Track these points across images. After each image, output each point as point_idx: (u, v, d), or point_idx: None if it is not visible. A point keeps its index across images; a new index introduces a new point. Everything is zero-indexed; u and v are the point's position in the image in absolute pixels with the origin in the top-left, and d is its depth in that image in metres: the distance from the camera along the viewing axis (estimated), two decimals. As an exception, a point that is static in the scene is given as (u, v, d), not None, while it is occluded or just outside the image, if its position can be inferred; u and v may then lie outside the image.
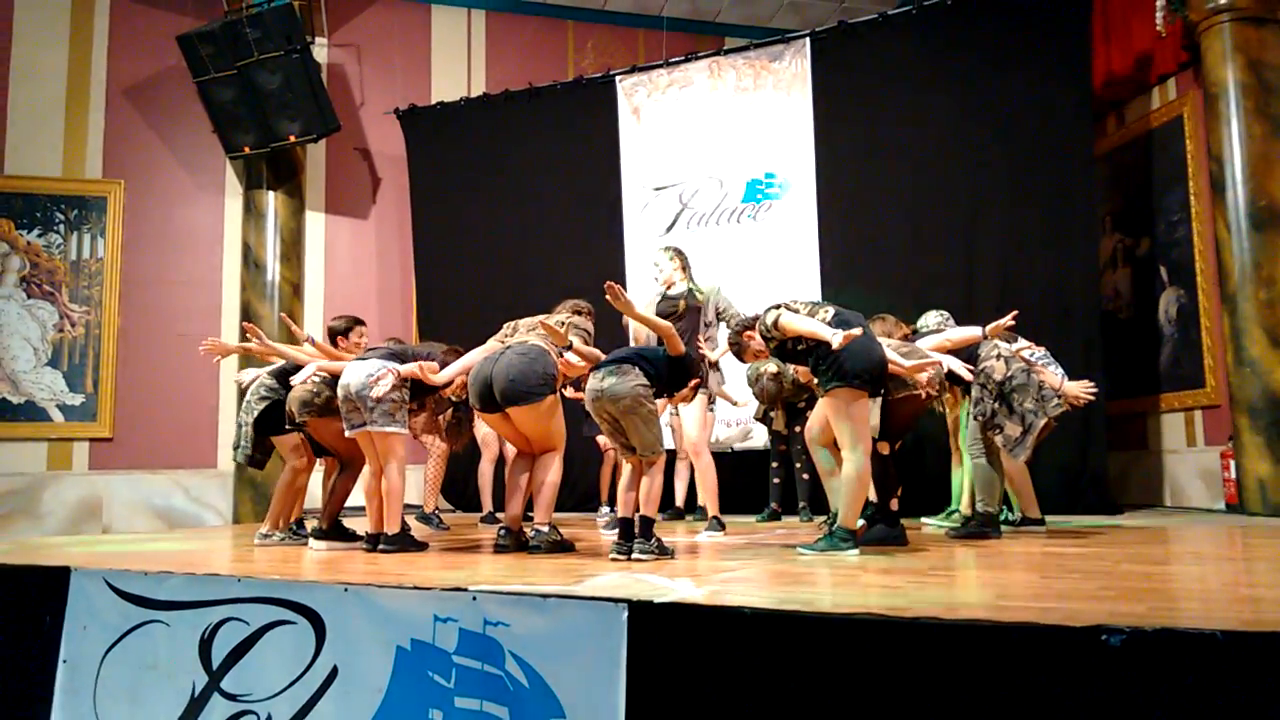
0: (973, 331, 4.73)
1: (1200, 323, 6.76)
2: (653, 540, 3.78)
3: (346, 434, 4.42)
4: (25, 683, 3.39)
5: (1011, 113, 6.55)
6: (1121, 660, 1.81)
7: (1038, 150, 6.46)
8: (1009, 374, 4.59)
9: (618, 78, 7.80)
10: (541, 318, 4.52)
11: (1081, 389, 4.78)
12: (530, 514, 4.36)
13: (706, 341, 5.39)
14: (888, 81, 6.95)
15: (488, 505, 6.51)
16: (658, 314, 4.80)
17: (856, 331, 3.76)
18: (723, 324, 5.54)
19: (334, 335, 5.24)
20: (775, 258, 6.99)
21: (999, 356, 4.64)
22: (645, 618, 2.36)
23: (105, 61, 8.47)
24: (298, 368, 4.79)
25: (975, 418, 4.66)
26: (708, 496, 5.29)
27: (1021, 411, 4.55)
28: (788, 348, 4.03)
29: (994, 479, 4.71)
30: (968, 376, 4.47)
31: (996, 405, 4.58)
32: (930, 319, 5.29)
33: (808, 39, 7.17)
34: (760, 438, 6.75)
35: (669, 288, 5.59)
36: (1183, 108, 6.95)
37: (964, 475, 5.27)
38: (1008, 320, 4.71)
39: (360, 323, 5.37)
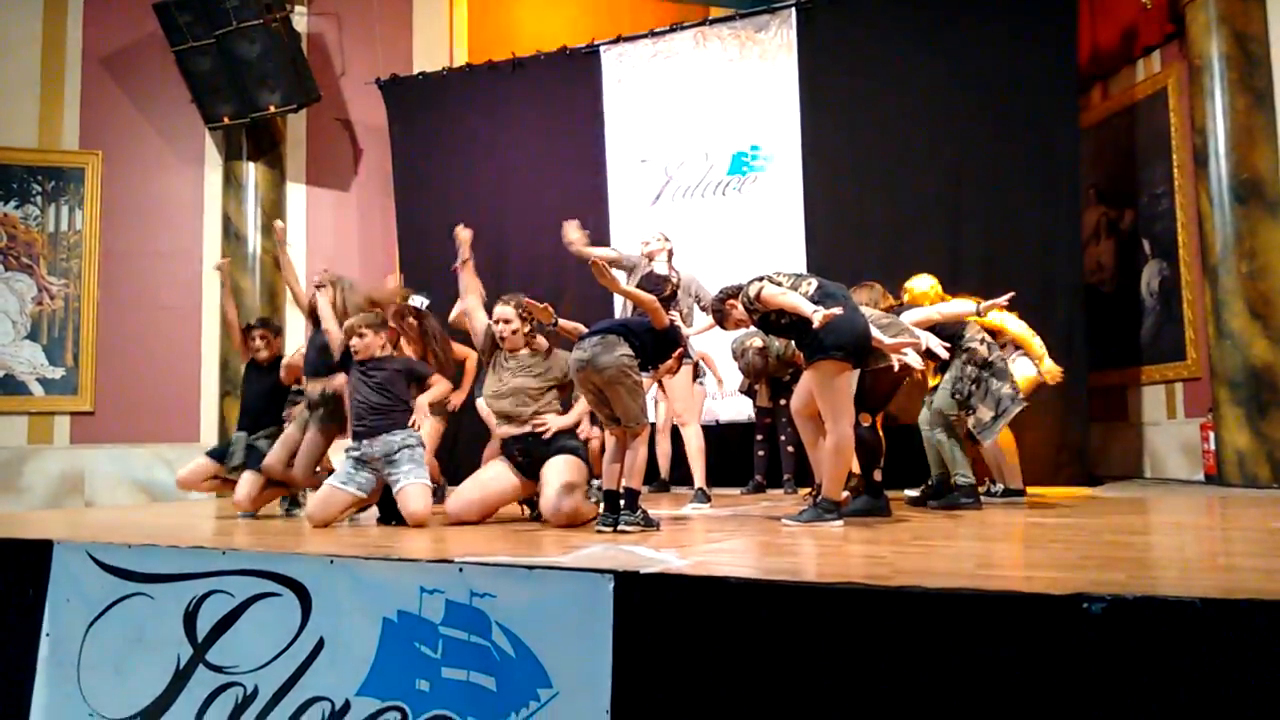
0: (965, 306, 4.74)
1: (1182, 296, 6.80)
2: (638, 512, 3.80)
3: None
4: (8, 656, 3.38)
5: (997, 84, 6.53)
6: (1102, 628, 1.83)
7: (1023, 122, 6.45)
8: (990, 358, 4.63)
9: (602, 48, 7.73)
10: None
11: (1059, 371, 4.92)
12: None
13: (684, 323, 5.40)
14: (873, 52, 6.90)
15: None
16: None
17: (836, 311, 3.76)
18: (699, 308, 5.57)
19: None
20: (760, 230, 6.97)
21: (983, 341, 4.68)
22: (631, 588, 2.37)
23: (81, 30, 8.31)
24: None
25: (953, 394, 4.69)
26: (694, 468, 5.31)
27: (998, 396, 4.59)
28: (770, 320, 4.03)
29: (960, 450, 4.73)
30: (943, 354, 4.49)
31: (974, 387, 4.62)
32: (920, 283, 5.25)
33: (793, 9, 7.11)
34: (744, 410, 6.76)
35: (650, 260, 5.56)
36: (1167, 80, 6.95)
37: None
38: (1003, 300, 4.73)
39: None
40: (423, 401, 4.57)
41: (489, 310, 4.54)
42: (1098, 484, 6.20)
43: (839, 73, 6.99)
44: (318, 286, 4.98)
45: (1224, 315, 5.99)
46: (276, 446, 4.99)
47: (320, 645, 2.81)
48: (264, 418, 5.33)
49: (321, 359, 4.86)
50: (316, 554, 2.99)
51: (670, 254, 5.63)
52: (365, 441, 4.36)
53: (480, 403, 4.88)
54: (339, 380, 4.72)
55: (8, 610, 3.44)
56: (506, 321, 4.41)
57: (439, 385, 4.77)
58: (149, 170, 8.43)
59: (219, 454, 5.43)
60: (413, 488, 4.26)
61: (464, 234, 4.63)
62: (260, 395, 5.42)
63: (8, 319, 8.01)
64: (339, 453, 4.76)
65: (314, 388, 4.88)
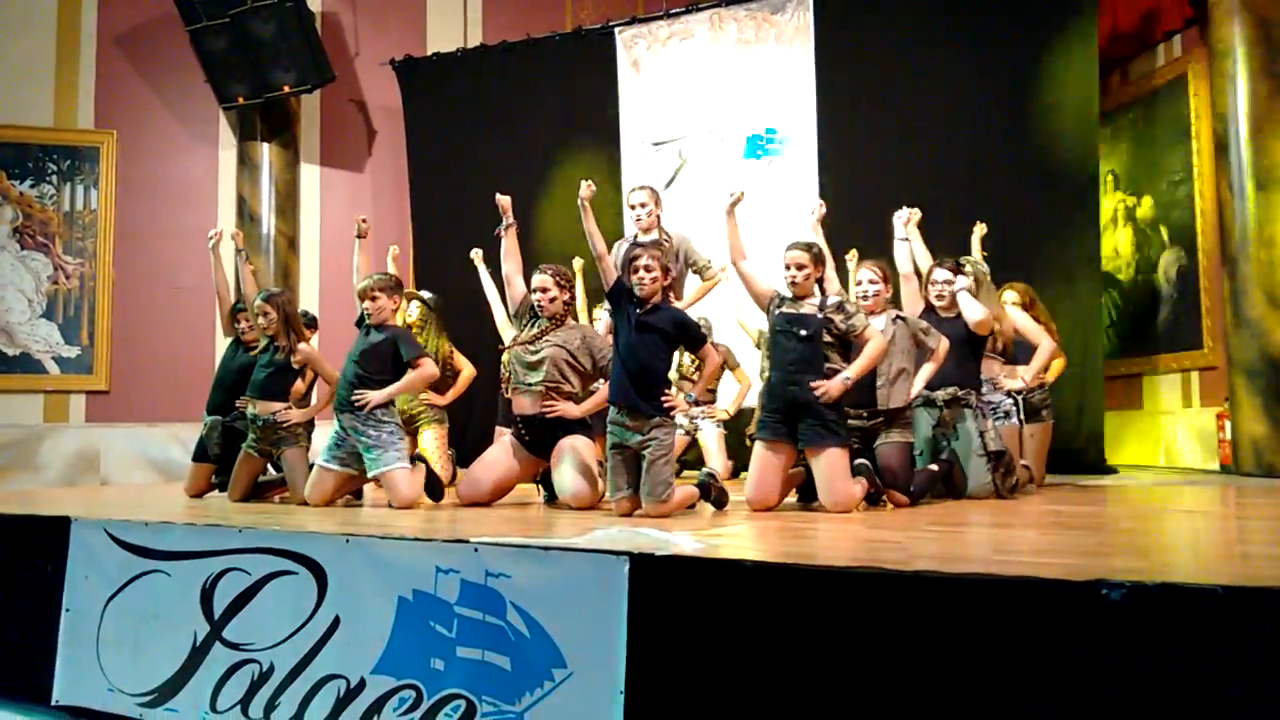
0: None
1: (1199, 284, 6.74)
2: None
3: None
4: (30, 632, 3.41)
5: (1016, 69, 6.47)
6: (1122, 614, 1.82)
7: (1042, 107, 6.39)
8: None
9: (617, 29, 7.69)
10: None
11: None
12: None
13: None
14: (890, 35, 6.85)
15: None
16: (627, 257, 4.65)
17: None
18: (691, 272, 5.44)
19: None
20: (776, 214, 6.93)
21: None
22: (646, 570, 2.38)
23: (95, 9, 8.31)
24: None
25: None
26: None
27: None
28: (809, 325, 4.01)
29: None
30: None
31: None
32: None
33: (810, -9, 7.06)
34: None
35: (647, 232, 5.42)
36: (1187, 66, 6.87)
37: None
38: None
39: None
40: (377, 396, 4.22)
41: (527, 281, 4.48)
42: (1113, 472, 6.17)
43: (856, 56, 6.94)
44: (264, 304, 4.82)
45: (1242, 304, 5.94)
46: (234, 482, 4.73)
47: (336, 623, 2.83)
48: (239, 397, 5.00)
49: (270, 380, 4.66)
50: (333, 533, 3.00)
51: (659, 219, 5.39)
52: (339, 415, 4.27)
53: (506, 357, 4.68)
54: (295, 414, 4.60)
55: (29, 586, 3.48)
56: (545, 290, 4.30)
57: (424, 368, 4.35)
58: (163, 150, 8.44)
59: (203, 451, 5.15)
60: (393, 474, 4.14)
61: (505, 200, 4.58)
62: (239, 374, 5.06)
63: (24, 298, 8.06)
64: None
65: (264, 410, 4.61)
